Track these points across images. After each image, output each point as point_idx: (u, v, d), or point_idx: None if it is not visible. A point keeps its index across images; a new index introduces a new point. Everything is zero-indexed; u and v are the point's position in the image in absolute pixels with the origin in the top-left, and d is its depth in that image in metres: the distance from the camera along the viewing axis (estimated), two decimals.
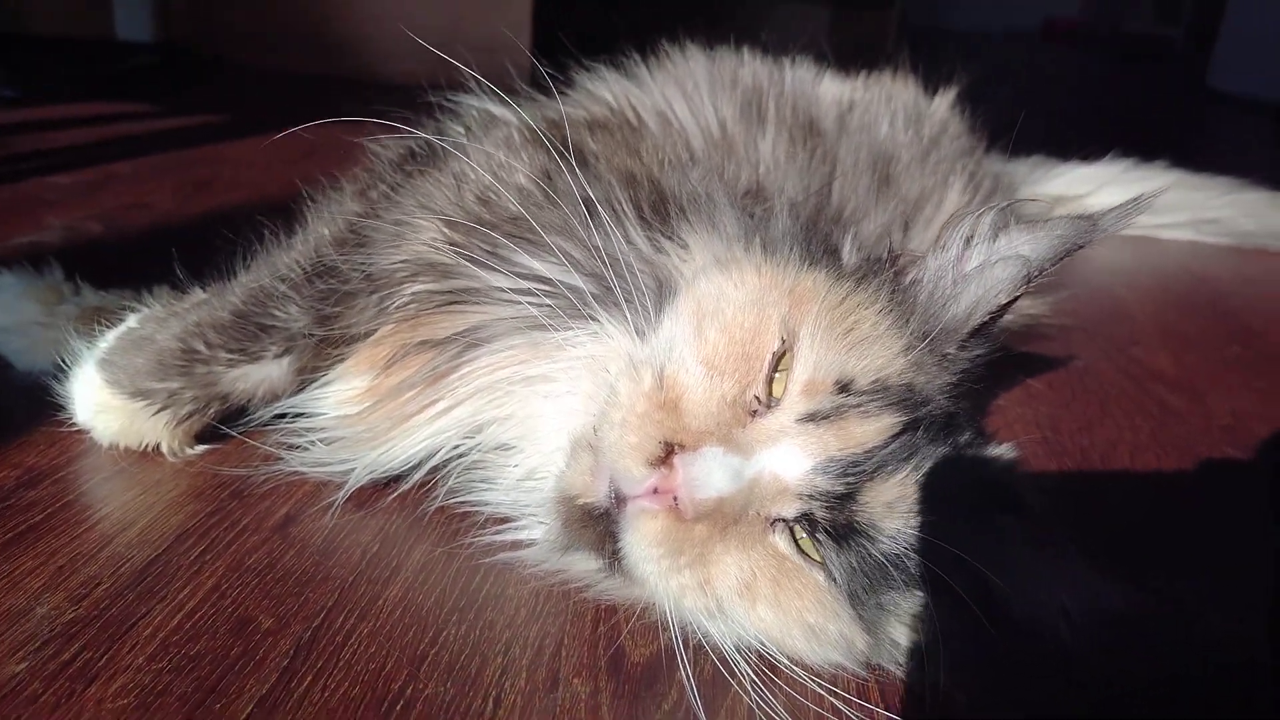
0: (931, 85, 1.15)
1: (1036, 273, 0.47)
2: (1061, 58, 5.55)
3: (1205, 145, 2.77)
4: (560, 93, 0.76)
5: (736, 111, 0.70)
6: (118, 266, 0.90)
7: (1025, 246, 0.47)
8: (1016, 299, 0.49)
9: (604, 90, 0.73)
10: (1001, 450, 0.49)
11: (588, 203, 0.52)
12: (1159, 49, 4.90)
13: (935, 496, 0.44)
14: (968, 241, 0.48)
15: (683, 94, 0.71)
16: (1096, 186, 1.32)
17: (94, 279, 0.71)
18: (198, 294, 0.63)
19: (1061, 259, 0.48)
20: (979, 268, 0.47)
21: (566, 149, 0.60)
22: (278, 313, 0.56)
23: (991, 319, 0.48)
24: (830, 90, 0.81)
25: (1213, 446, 0.70)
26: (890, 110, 0.81)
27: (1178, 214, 1.32)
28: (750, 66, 0.79)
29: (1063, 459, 0.67)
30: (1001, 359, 0.54)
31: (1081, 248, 0.47)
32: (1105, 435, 0.71)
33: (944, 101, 1.10)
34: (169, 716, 0.39)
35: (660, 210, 0.53)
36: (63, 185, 1.18)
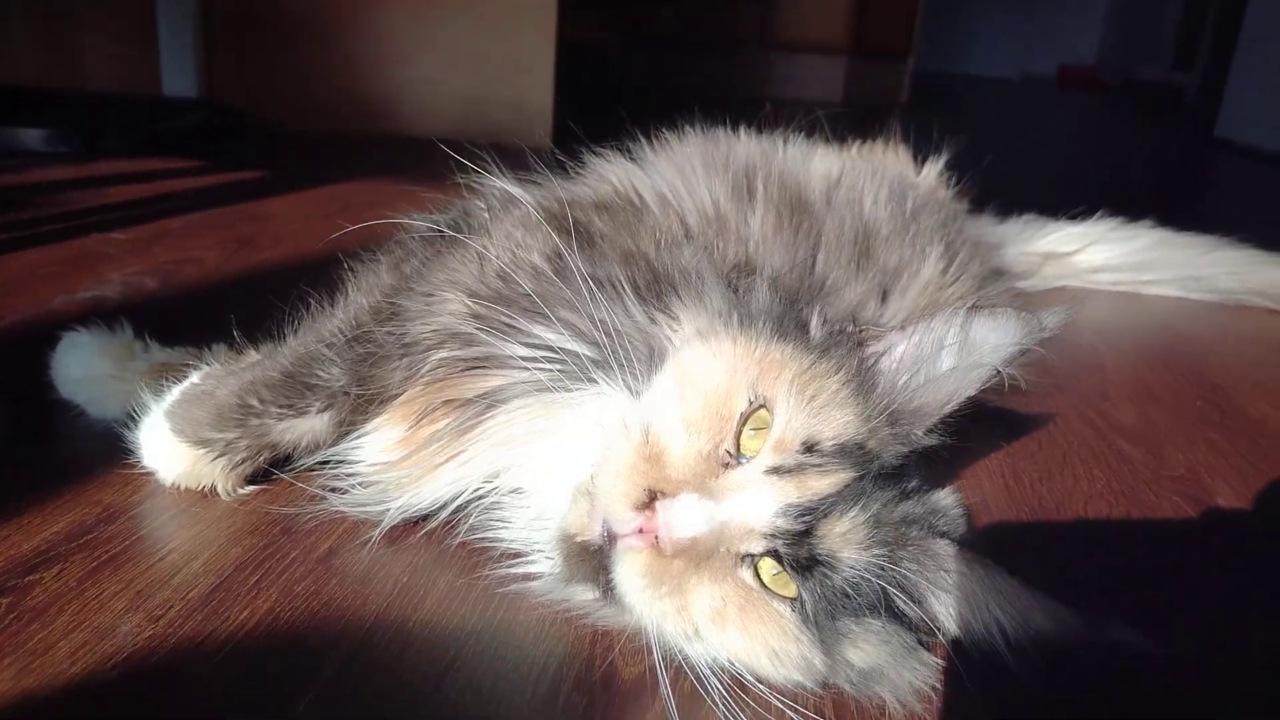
0: (924, 151, 1.24)
1: (999, 373, 0.55)
2: (1073, 105, 5.64)
3: (1210, 196, 2.83)
4: (574, 173, 0.85)
5: (729, 191, 0.78)
6: (173, 319, 1.00)
7: (991, 354, 0.55)
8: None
9: (610, 173, 0.81)
10: (943, 493, 0.57)
11: (593, 279, 0.61)
12: (1172, 97, 4.98)
13: (881, 529, 0.52)
14: (940, 343, 0.55)
15: (680, 176, 0.79)
16: (1083, 245, 1.40)
17: (154, 332, 0.80)
18: (252, 355, 0.72)
19: (1018, 358, 0.56)
20: (951, 371, 0.55)
21: (576, 229, 0.69)
22: (321, 373, 0.65)
23: (958, 410, 0.56)
24: (820, 167, 0.89)
25: (1161, 495, 0.77)
26: (875, 185, 0.89)
27: (1162, 271, 1.39)
28: (745, 146, 0.87)
29: (1020, 507, 0.74)
30: (976, 413, 0.61)
31: (1031, 347, 0.55)
32: (1063, 485, 0.78)
33: (933, 170, 1.18)
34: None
35: (654, 287, 0.62)
36: (120, 241, 1.29)
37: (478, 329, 0.61)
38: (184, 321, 1.00)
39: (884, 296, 0.78)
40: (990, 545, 0.55)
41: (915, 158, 1.23)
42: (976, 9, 6.97)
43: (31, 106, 2.15)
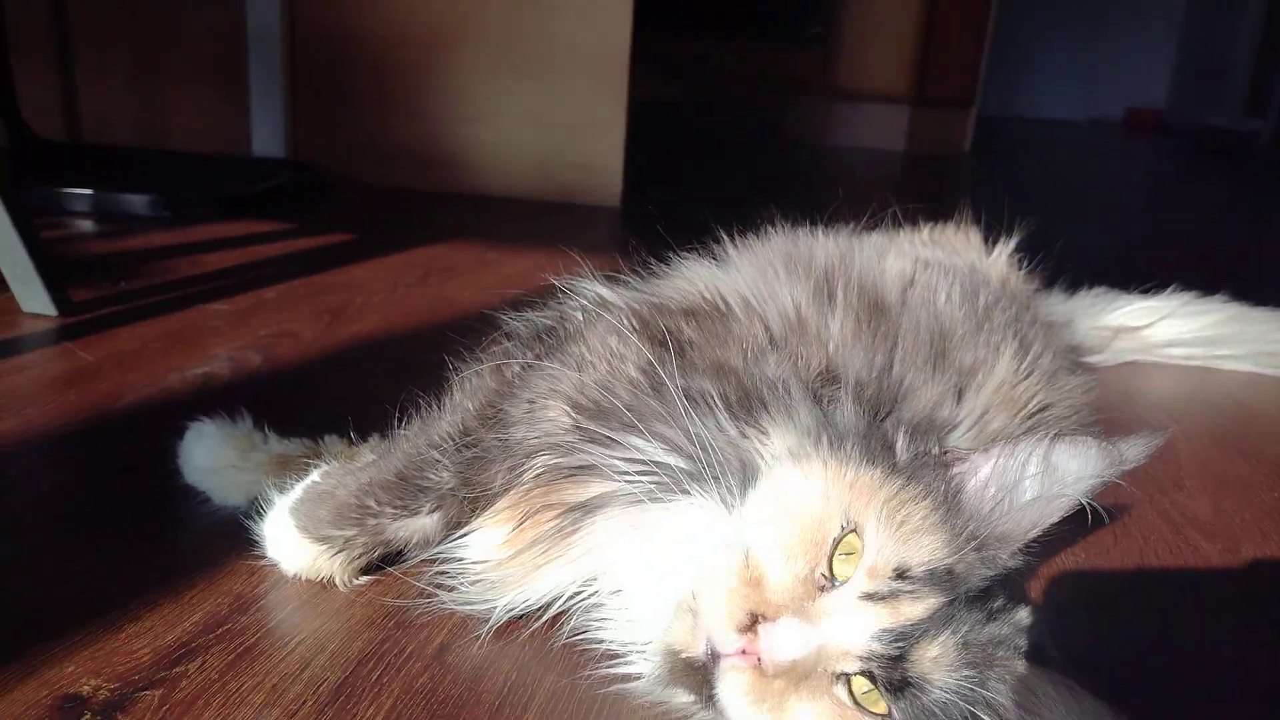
0: (994, 231, 1.26)
1: (1080, 504, 0.59)
2: (1142, 153, 5.57)
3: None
4: (660, 274, 0.89)
5: (810, 295, 0.82)
6: (280, 399, 1.07)
7: (1073, 486, 0.58)
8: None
9: (697, 275, 0.85)
10: (1026, 611, 0.59)
11: (686, 394, 0.65)
12: (1243, 145, 4.90)
13: (969, 651, 0.55)
14: (1023, 470, 0.59)
15: (763, 279, 0.83)
16: (1157, 319, 1.41)
17: (265, 412, 0.87)
18: (366, 454, 0.78)
19: (1099, 490, 0.59)
20: (1034, 500, 0.58)
21: (667, 338, 0.73)
22: (432, 476, 0.70)
23: (1041, 535, 0.59)
24: (895, 267, 0.92)
25: (1242, 594, 0.78)
26: (948, 283, 0.92)
27: (1236, 346, 1.39)
28: (824, 248, 0.91)
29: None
30: None
31: (1111, 479, 0.58)
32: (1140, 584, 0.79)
33: (1003, 253, 1.21)
34: None
35: (744, 403, 0.66)
36: (222, 312, 1.37)
37: (578, 439, 0.65)
38: (289, 402, 1.07)
39: (959, 396, 0.81)
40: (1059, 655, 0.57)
41: (985, 239, 1.25)
42: (1042, 51, 6.94)
43: (132, 167, 2.28)
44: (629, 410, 0.65)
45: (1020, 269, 1.20)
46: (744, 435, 0.64)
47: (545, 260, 1.79)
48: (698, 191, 2.86)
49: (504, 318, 0.85)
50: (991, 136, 5.01)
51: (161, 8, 2.54)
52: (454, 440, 0.70)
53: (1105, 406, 1.21)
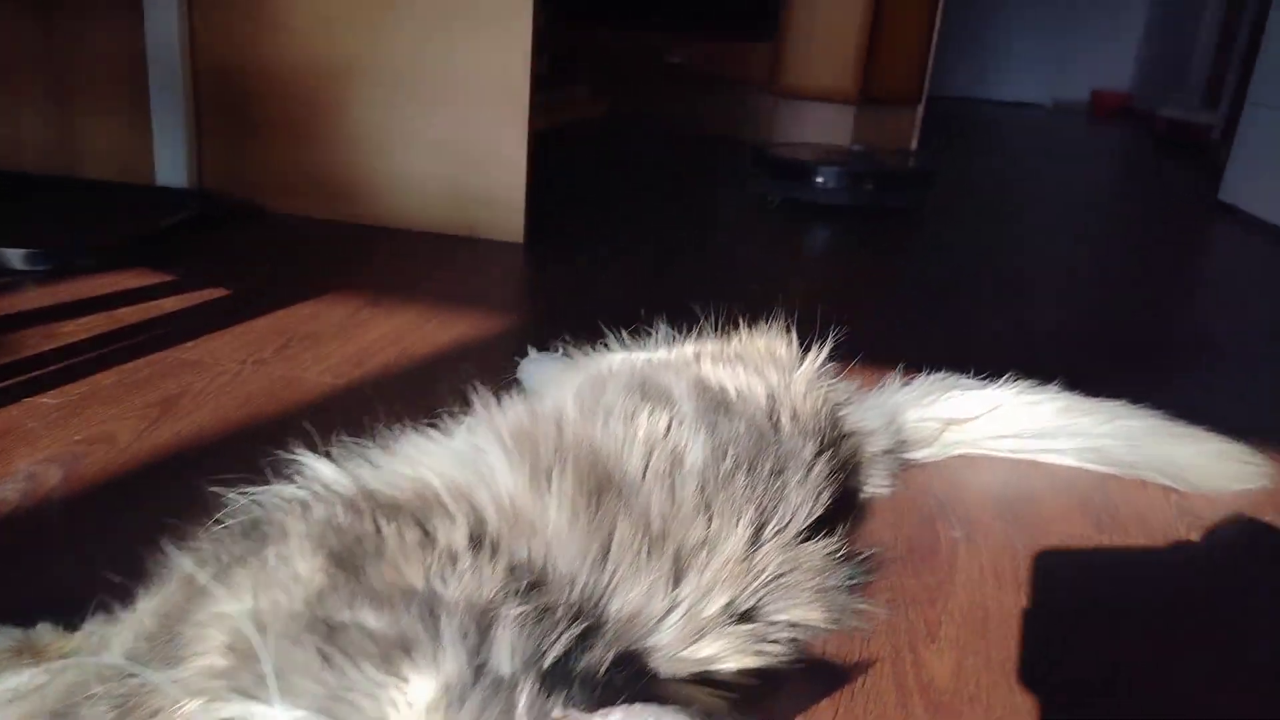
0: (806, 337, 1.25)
1: None
2: (1098, 142, 5.50)
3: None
4: (391, 446, 0.89)
5: (527, 480, 0.82)
6: (51, 539, 1.04)
7: None
8: None
9: (418, 454, 0.85)
10: None
11: (334, 639, 0.64)
12: (1197, 137, 4.86)
13: None
14: None
15: (482, 459, 0.83)
16: (987, 409, 1.41)
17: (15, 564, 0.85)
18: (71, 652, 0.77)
19: None
20: None
21: (354, 549, 0.73)
22: (87, 715, 0.68)
23: None
24: (645, 427, 0.91)
25: None
26: (699, 441, 0.91)
27: (1062, 440, 1.39)
28: (569, 410, 0.91)
29: None
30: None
31: None
32: None
33: (808, 369, 1.20)
34: None
35: (400, 642, 0.64)
36: (48, 408, 1.35)
37: (225, 688, 0.65)
38: (57, 548, 1.03)
39: (678, 579, 0.81)
40: None
41: (801, 344, 1.25)
42: (1008, 35, 6.85)
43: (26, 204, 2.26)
44: (274, 658, 0.65)
45: (822, 384, 1.19)
46: (381, 686, 0.63)
47: (419, 319, 1.79)
48: (617, 222, 2.84)
49: (230, 498, 0.84)
50: (944, 128, 4.94)
51: (76, 29, 2.51)
52: (118, 671, 0.70)
53: (906, 521, 1.22)
